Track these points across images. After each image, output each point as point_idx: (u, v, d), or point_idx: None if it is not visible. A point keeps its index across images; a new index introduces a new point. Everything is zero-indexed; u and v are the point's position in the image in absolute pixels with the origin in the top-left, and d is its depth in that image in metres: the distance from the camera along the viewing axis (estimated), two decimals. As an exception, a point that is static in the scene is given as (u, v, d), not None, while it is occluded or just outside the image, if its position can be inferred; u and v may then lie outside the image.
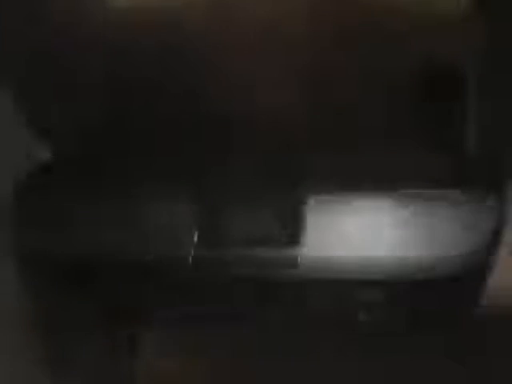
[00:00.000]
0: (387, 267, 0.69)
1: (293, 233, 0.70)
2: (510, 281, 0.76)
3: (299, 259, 0.69)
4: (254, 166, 0.74)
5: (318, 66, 0.78)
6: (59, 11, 0.74)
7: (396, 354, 0.90)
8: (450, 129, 0.78)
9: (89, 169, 0.77)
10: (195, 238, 0.70)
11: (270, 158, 0.74)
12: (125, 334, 0.96)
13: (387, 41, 0.77)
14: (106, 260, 0.72)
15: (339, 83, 0.78)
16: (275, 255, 0.70)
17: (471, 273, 0.72)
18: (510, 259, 0.75)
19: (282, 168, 0.73)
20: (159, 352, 0.97)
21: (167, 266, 0.71)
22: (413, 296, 0.73)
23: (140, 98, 0.78)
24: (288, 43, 0.76)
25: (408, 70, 0.78)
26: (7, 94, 0.78)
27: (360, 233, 0.70)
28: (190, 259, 0.70)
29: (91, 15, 0.74)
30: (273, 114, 0.79)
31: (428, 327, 0.81)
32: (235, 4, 0.75)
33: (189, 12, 0.74)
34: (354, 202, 0.70)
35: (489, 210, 0.69)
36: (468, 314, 0.77)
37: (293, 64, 0.77)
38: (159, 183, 0.73)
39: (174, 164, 0.76)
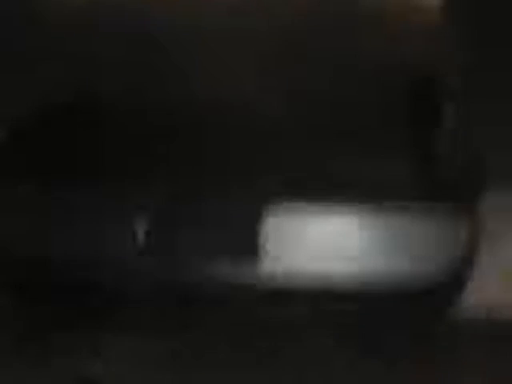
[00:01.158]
0: (356, 280, 0.68)
1: (256, 243, 0.69)
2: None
3: (262, 272, 0.68)
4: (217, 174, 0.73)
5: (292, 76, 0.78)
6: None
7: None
8: (426, 138, 0.77)
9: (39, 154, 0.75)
10: (141, 243, 0.70)
11: (239, 164, 0.74)
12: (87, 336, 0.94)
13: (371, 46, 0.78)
14: (58, 261, 0.71)
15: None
16: (235, 268, 0.69)
17: (445, 286, 0.71)
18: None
19: (250, 175, 0.73)
20: (122, 356, 0.95)
21: (114, 269, 0.72)
22: (382, 310, 0.71)
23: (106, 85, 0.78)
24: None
25: (385, 77, 0.78)
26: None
27: (326, 244, 0.69)
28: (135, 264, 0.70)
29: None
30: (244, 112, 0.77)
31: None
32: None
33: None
34: (323, 212, 0.70)
35: (464, 222, 0.68)
36: (440, 327, 0.77)
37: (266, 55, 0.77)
38: (113, 179, 0.72)
39: (128, 161, 0.74)
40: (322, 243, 0.68)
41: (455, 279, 0.70)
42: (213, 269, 0.68)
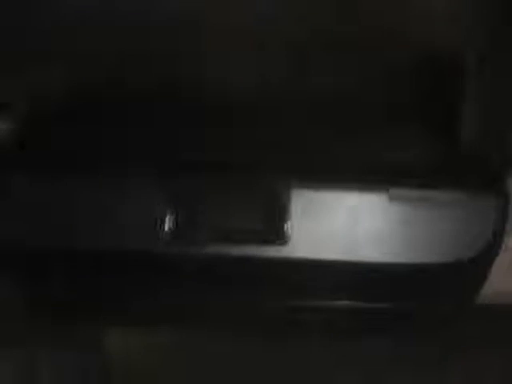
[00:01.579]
0: (373, 269, 0.66)
1: (274, 229, 0.66)
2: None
3: (281, 258, 0.65)
4: (233, 156, 0.69)
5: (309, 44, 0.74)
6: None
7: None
8: (447, 125, 0.74)
9: (54, 147, 0.71)
10: (168, 233, 0.66)
11: (252, 149, 0.70)
12: (93, 328, 0.93)
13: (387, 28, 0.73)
14: (72, 251, 0.67)
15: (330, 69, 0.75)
16: (256, 253, 0.66)
17: (472, 272, 0.69)
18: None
19: (265, 159, 0.69)
20: (128, 347, 0.94)
21: (136, 260, 0.67)
22: (400, 301, 0.70)
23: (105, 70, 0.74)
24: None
25: (404, 58, 0.75)
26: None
27: (347, 232, 0.65)
28: (161, 255, 0.66)
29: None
30: (251, 97, 0.75)
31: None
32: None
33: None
34: (340, 198, 0.66)
35: (488, 210, 0.66)
36: (458, 317, 0.75)
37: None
38: (131, 170, 0.68)
39: (147, 150, 0.70)
40: (342, 226, 0.66)
41: (483, 265, 0.69)
42: (239, 252, 0.66)
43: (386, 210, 0.65)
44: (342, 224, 0.65)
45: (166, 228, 0.66)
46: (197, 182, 0.67)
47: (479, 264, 0.67)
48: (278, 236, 0.65)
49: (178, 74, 0.77)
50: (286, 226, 0.65)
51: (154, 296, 0.72)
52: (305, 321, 0.75)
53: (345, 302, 0.71)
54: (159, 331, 0.90)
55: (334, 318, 0.74)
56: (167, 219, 0.66)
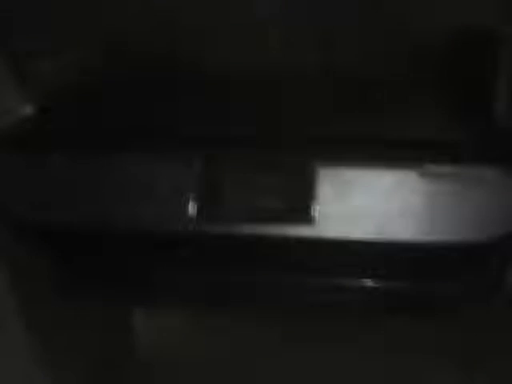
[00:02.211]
0: (406, 248, 0.64)
1: (303, 208, 0.64)
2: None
3: (315, 234, 0.64)
4: (260, 135, 0.68)
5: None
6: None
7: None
8: (479, 99, 0.72)
9: (75, 125, 0.70)
10: (195, 211, 0.65)
11: (277, 126, 0.69)
12: (122, 308, 0.92)
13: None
14: (98, 230, 0.66)
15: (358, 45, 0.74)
16: (283, 233, 0.64)
17: (501, 258, 0.68)
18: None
19: (292, 138, 0.67)
20: (157, 326, 0.93)
21: (165, 239, 0.66)
22: (431, 279, 0.69)
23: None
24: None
25: (435, 32, 0.73)
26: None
27: (378, 210, 0.64)
28: (189, 234, 0.65)
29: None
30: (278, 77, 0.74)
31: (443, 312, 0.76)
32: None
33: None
34: (371, 175, 0.64)
35: None
36: (492, 299, 0.73)
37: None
38: (154, 149, 0.66)
39: (172, 130, 0.69)
40: (371, 205, 0.64)
41: (507, 247, 0.66)
42: (266, 232, 0.64)
43: (417, 187, 0.63)
44: (371, 203, 0.64)
45: (193, 207, 0.65)
46: (224, 161, 0.66)
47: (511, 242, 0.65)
48: (306, 216, 0.64)
49: (205, 49, 0.76)
50: (313, 205, 0.64)
51: (182, 276, 0.72)
52: (333, 301, 0.73)
53: (373, 282, 0.70)
54: (186, 312, 0.90)
55: (361, 298, 0.72)
56: (194, 198, 0.65)
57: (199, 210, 0.64)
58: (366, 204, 0.64)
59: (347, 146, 0.66)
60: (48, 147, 0.67)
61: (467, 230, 0.63)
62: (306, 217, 0.64)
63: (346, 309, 0.76)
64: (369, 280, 0.70)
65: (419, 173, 0.64)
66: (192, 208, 0.65)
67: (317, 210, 0.64)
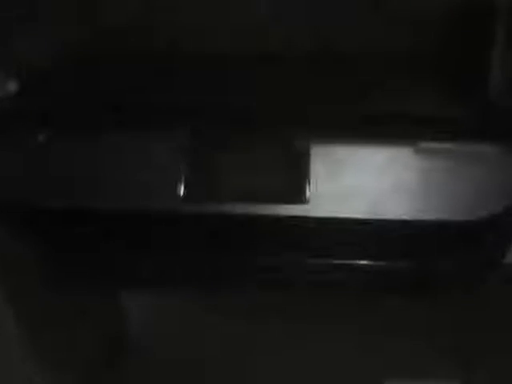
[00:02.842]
0: (400, 226, 0.63)
1: (295, 187, 0.63)
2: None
3: (308, 213, 0.63)
4: (250, 113, 0.66)
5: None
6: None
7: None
8: (478, 76, 0.70)
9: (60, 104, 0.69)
10: (182, 192, 0.64)
11: (269, 105, 0.67)
12: (113, 292, 0.92)
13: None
14: (81, 211, 0.65)
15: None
16: (275, 212, 0.63)
17: (497, 234, 0.67)
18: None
19: (283, 116, 0.66)
20: (148, 310, 0.93)
21: (151, 220, 0.65)
22: (428, 255, 0.67)
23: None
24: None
25: (435, 9, 0.72)
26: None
27: (371, 188, 0.63)
28: (180, 213, 0.64)
29: None
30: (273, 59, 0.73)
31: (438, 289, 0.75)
32: None
33: None
34: (363, 153, 0.63)
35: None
36: (487, 277, 0.72)
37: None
38: (140, 128, 0.65)
39: (160, 108, 0.67)
40: (366, 183, 0.63)
41: (504, 225, 0.65)
42: (259, 211, 0.63)
43: (411, 164, 0.62)
44: (364, 181, 0.63)
45: (187, 187, 0.64)
46: (217, 140, 0.65)
47: (508, 221, 0.64)
48: (298, 195, 0.63)
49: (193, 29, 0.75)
50: (305, 184, 0.63)
51: (171, 257, 0.71)
52: (329, 281, 0.73)
53: (368, 261, 0.69)
54: (173, 293, 0.89)
55: (357, 278, 0.72)
56: (187, 178, 0.64)
57: (189, 190, 0.64)
58: (358, 182, 0.63)
59: (340, 124, 0.65)
60: (28, 127, 0.66)
61: (462, 208, 0.62)
62: (298, 196, 0.63)
63: (342, 288, 0.75)
64: (364, 259, 0.69)
65: (413, 150, 0.63)
66: (181, 187, 0.64)
67: (309, 188, 0.63)
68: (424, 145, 0.63)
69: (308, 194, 0.63)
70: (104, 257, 0.71)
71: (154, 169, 0.64)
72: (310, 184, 0.63)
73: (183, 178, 0.64)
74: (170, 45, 0.76)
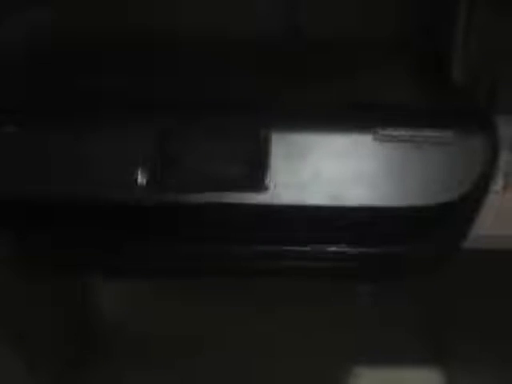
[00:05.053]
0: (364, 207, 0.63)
1: (256, 175, 0.63)
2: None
3: (269, 199, 0.62)
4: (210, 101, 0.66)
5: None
6: None
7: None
8: (435, 58, 0.71)
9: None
10: (143, 180, 0.63)
11: (229, 93, 0.67)
12: (77, 282, 0.91)
13: None
14: (49, 201, 0.65)
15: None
16: (237, 200, 0.63)
17: (459, 217, 0.67)
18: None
19: (243, 103, 0.66)
20: (112, 300, 0.92)
21: (116, 210, 0.65)
22: (390, 240, 0.68)
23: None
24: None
25: None
26: None
27: (331, 175, 0.63)
28: (140, 203, 0.63)
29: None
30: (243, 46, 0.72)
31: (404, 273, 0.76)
32: None
33: None
34: (324, 140, 0.63)
35: (476, 150, 0.63)
36: (450, 257, 0.72)
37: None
38: (105, 118, 0.65)
39: (124, 99, 0.67)
40: (330, 168, 0.64)
41: (470, 207, 0.67)
42: (218, 196, 0.64)
43: (371, 151, 0.62)
44: (324, 168, 0.63)
45: (146, 176, 0.63)
46: (177, 128, 0.64)
47: (466, 205, 0.65)
48: (259, 183, 0.63)
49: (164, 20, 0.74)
50: (266, 172, 0.63)
51: (136, 247, 0.70)
52: (292, 269, 0.73)
53: (332, 248, 0.69)
54: (140, 283, 0.88)
55: (322, 266, 0.71)
56: (146, 167, 0.63)
57: (151, 179, 0.63)
58: (318, 170, 0.63)
59: (299, 112, 0.64)
60: None
61: (420, 193, 0.63)
62: (259, 184, 0.63)
63: (315, 275, 0.75)
64: (332, 246, 0.69)
65: (373, 137, 0.63)
66: (144, 177, 0.63)
67: (270, 176, 0.63)
68: (382, 132, 0.63)
69: (268, 181, 0.63)
70: (71, 249, 0.71)
71: (113, 157, 0.63)
72: (269, 172, 0.63)
73: (143, 167, 0.63)
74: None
